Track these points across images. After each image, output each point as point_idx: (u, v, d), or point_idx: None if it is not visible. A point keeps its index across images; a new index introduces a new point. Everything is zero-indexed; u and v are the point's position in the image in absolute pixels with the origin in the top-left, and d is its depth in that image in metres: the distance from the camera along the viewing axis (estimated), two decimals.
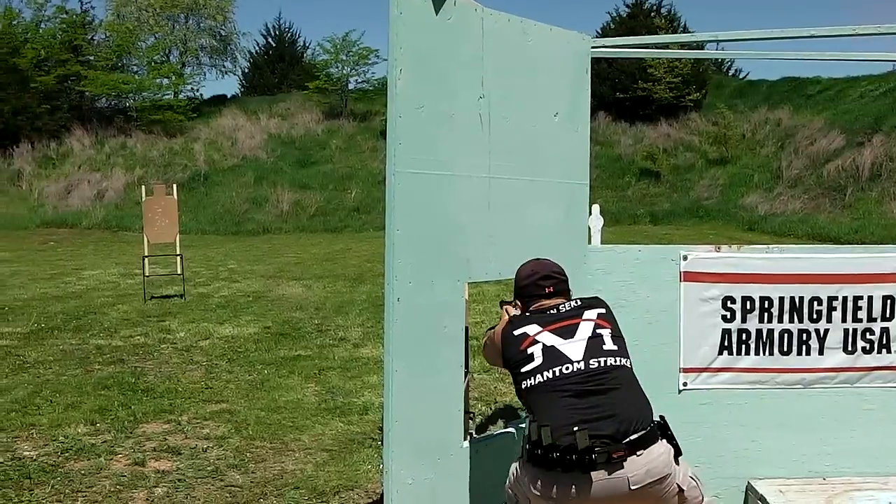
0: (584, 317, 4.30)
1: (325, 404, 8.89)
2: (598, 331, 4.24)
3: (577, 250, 5.47)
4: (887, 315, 5.79)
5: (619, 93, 45.54)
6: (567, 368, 4.07)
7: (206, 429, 8.04)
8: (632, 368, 4.23)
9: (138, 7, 52.97)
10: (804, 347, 5.73)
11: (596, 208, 21.22)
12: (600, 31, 48.08)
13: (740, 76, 53.29)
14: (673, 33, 45.00)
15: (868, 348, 5.82)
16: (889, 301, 5.80)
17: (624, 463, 3.84)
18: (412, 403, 4.52)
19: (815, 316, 5.72)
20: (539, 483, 3.97)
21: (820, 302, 5.72)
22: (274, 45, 59.56)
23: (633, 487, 3.85)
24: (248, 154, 44.16)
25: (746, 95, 47.78)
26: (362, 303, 15.75)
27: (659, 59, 41.94)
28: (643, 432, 3.93)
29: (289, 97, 51.37)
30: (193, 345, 12.23)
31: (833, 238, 28.61)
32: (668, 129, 45.01)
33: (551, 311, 4.36)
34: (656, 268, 5.62)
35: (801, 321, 5.69)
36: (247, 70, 60.36)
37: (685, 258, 5.62)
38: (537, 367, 4.12)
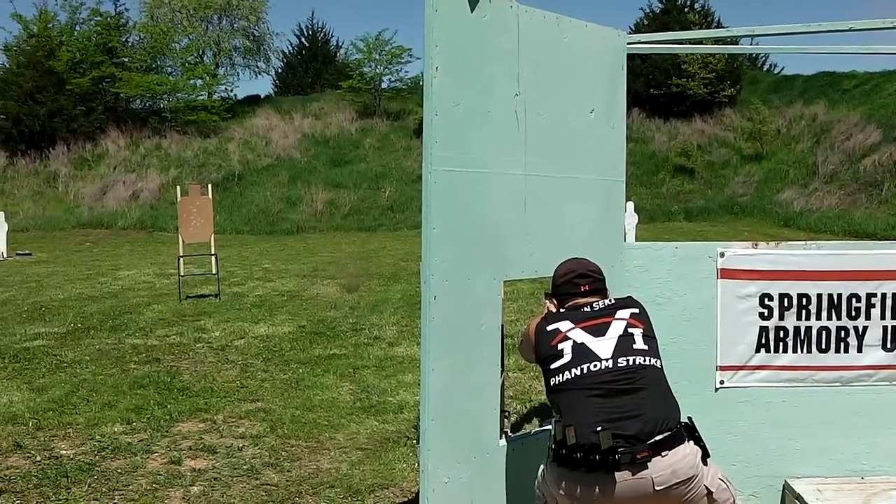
0: (616, 315, 4.28)
1: (360, 403, 8.89)
2: (629, 329, 4.22)
3: (613, 248, 5.44)
4: None
5: (653, 89, 45.44)
6: (595, 366, 4.06)
7: (242, 427, 8.06)
8: (662, 369, 4.20)
9: (172, 9, 53.23)
10: (843, 345, 5.67)
11: (630, 205, 21.21)
12: (633, 27, 47.98)
13: (775, 71, 53.00)
14: (707, 28, 44.85)
15: (889, 346, 5.76)
16: None
17: (648, 463, 3.83)
18: (449, 402, 4.51)
19: (853, 313, 5.66)
20: (564, 483, 3.98)
21: (858, 299, 5.66)
22: (307, 44, 59.81)
23: (657, 488, 3.84)
24: (282, 154, 44.35)
25: (781, 90, 47.54)
26: (397, 301, 15.70)
27: (693, 54, 41.79)
28: (669, 433, 3.91)
29: (322, 97, 51.56)
30: (229, 344, 12.26)
31: (870, 234, 28.49)
32: (702, 126, 44.87)
33: (584, 309, 4.35)
34: (693, 265, 5.58)
35: (839, 318, 5.63)
36: (280, 70, 60.68)
37: (722, 255, 5.58)
38: (566, 363, 4.12)
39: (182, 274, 17.26)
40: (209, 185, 18.23)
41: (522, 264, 4.84)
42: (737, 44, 29.79)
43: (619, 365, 4.06)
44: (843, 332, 5.67)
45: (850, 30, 5.54)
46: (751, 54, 48.72)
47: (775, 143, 41.20)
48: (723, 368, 5.63)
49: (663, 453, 3.85)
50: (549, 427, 5.19)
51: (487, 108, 4.57)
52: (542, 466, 4.27)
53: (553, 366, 4.16)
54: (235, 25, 57.11)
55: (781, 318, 5.61)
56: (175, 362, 11.01)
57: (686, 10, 48.33)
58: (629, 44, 5.58)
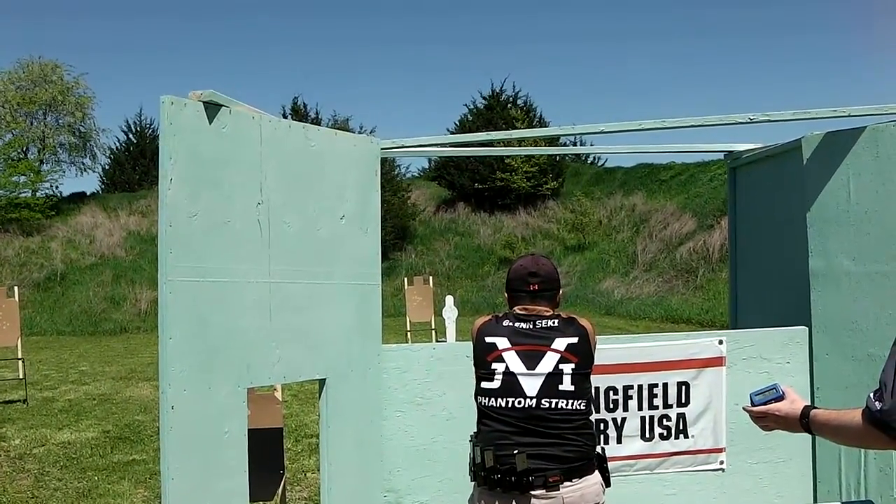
0: (552, 345, 4.37)
1: None
2: (560, 366, 4.32)
3: (370, 350, 5.52)
4: (683, 401, 5.96)
5: (478, 184, 46.17)
6: (520, 403, 4.27)
7: None
8: (584, 409, 4.34)
9: None
10: (602, 437, 5.84)
11: (450, 300, 21.37)
12: (458, 124, 48.70)
13: (598, 164, 54.33)
14: (529, 124, 45.86)
15: (665, 434, 5.97)
16: (684, 387, 5.99)
17: (560, 486, 4.17)
18: None
19: (611, 405, 5.86)
20: (483, 502, 4.30)
21: (616, 391, 5.86)
22: (135, 141, 59.02)
23: None
24: (106, 252, 43.47)
25: (603, 182, 48.78)
26: None
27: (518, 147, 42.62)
28: (581, 462, 4.25)
29: (150, 193, 50.80)
30: (27, 452, 11.90)
31: (686, 319, 29.31)
32: (526, 218, 45.71)
33: (525, 327, 4.44)
34: (451, 365, 5.69)
35: (597, 411, 5.80)
36: (107, 166, 59.66)
37: None
38: (495, 390, 4.33)
39: None
40: (14, 288, 17.79)
41: (269, 371, 4.87)
42: (558, 141, 30.41)
43: (542, 406, 4.25)
44: (602, 425, 5.86)
45: (661, 128, 5.85)
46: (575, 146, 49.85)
47: (597, 234, 42.20)
48: None
49: (574, 479, 4.20)
50: None
51: (227, 217, 4.62)
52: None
53: (483, 385, 4.40)
54: (61, 121, 56.06)
55: None
56: None
57: (509, 105, 49.34)
58: (383, 149, 5.74)
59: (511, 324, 4.49)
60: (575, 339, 4.42)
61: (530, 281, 4.56)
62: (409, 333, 22.26)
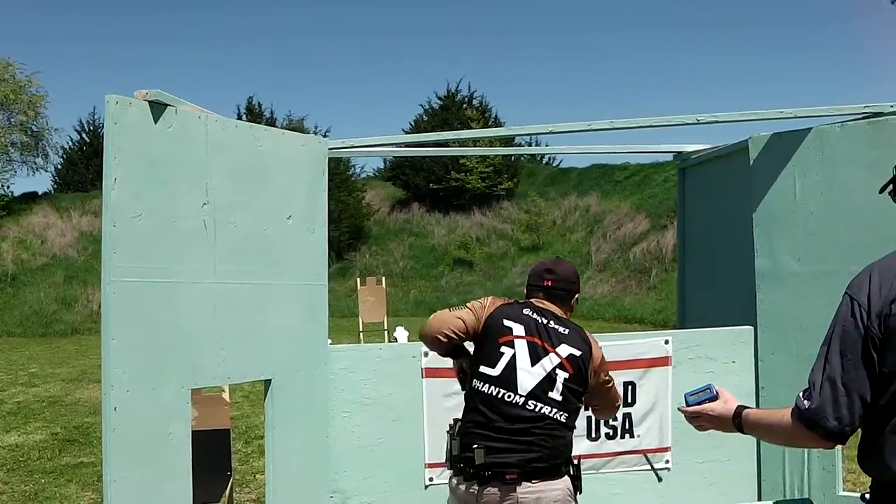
0: (558, 349, 4.43)
1: None
2: (556, 371, 4.39)
3: (317, 350, 5.52)
4: (629, 401, 6.00)
5: (432, 184, 46.09)
6: (510, 397, 4.34)
7: None
8: (563, 422, 4.39)
9: None
10: None
11: (401, 333, 20.71)
12: (413, 124, 48.61)
13: (553, 164, 54.39)
14: (485, 124, 45.86)
15: (611, 434, 6.01)
16: (630, 387, 6.02)
17: (517, 486, 4.23)
18: None
19: None
20: (452, 487, 4.49)
21: None
22: (88, 140, 58.45)
23: None
24: (58, 253, 43.07)
25: (558, 182, 48.83)
26: None
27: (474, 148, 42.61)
28: (545, 465, 4.29)
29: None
30: None
31: (638, 319, 29.44)
32: (481, 218, 45.70)
33: (543, 322, 4.50)
34: (399, 365, 5.71)
35: None
36: (60, 166, 59.09)
37: (426, 355, 5.71)
38: (493, 378, 4.39)
39: None
40: None
41: (214, 371, 4.86)
42: (513, 141, 30.45)
43: (528, 408, 4.32)
44: None
45: (610, 128, 5.94)
46: (531, 146, 49.84)
47: (551, 234, 42.28)
48: (431, 466, 5.74)
49: (533, 481, 4.25)
50: None
51: (173, 217, 4.60)
52: None
53: (483, 369, 4.44)
54: (13, 120, 55.47)
55: None
56: None
57: (464, 106, 49.31)
58: (331, 149, 5.73)
59: (530, 314, 4.54)
60: (578, 353, 4.47)
61: (546, 277, 4.69)
62: (361, 334, 22.20)
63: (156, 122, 4.52)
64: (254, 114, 46.53)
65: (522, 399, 4.32)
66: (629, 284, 35.30)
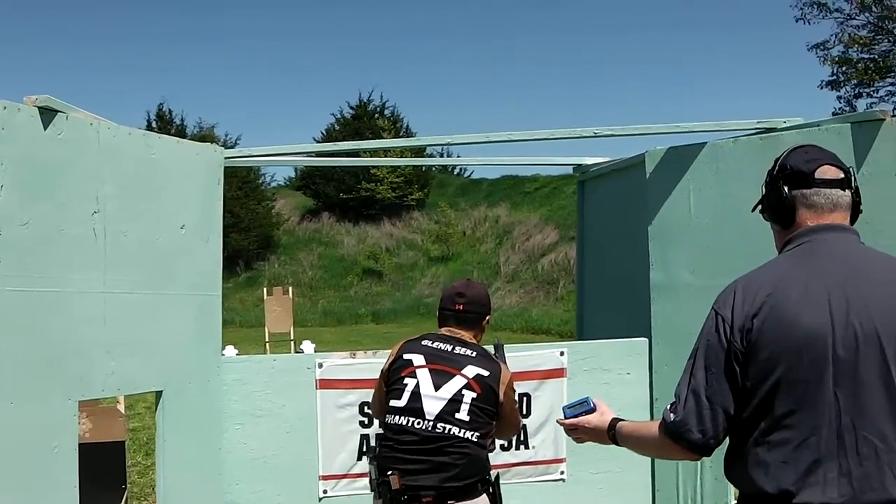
0: (463, 370, 4.51)
1: None
2: (463, 392, 4.46)
3: (210, 361, 5.46)
4: (524, 412, 6.02)
5: (343, 193, 45.92)
6: (418, 424, 4.42)
7: None
8: (476, 442, 4.46)
9: None
10: None
11: (307, 346, 20.52)
12: (325, 133, 48.39)
13: (464, 175, 54.45)
14: (396, 134, 45.84)
15: (506, 445, 6.02)
16: (526, 398, 6.04)
17: None
18: None
19: None
20: None
21: None
22: None
23: None
24: None
25: (469, 193, 48.97)
26: None
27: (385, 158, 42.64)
28: (460, 484, 4.36)
29: None
30: None
31: (545, 330, 29.59)
32: (391, 229, 45.68)
33: (445, 349, 4.61)
34: (292, 376, 5.67)
35: None
36: None
37: (320, 366, 5.69)
38: (400, 409, 4.48)
39: None
40: None
41: (103, 382, 4.77)
42: (424, 151, 30.40)
43: (437, 430, 4.39)
44: None
45: (510, 140, 5.96)
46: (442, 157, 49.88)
47: (461, 245, 42.42)
48: (325, 478, 5.71)
49: (449, 502, 4.33)
50: None
51: (62, 226, 4.52)
52: None
53: (392, 403, 4.54)
54: None
55: None
56: None
57: (376, 115, 49.20)
58: (227, 157, 5.68)
59: (430, 343, 4.67)
60: (486, 373, 4.55)
61: (457, 300, 4.76)
62: (267, 345, 22.01)
63: (45, 128, 4.44)
64: (164, 121, 45.90)
65: (431, 424, 4.40)
66: (537, 295, 35.57)
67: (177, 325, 5.23)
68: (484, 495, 4.48)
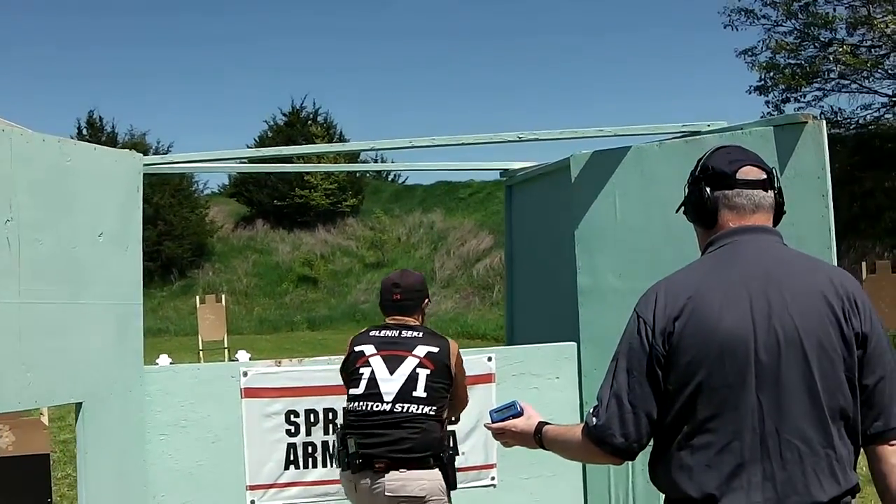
0: (414, 351, 4.86)
1: None
2: (417, 371, 4.80)
3: (132, 372, 5.37)
4: (452, 418, 5.97)
5: (277, 200, 45.64)
6: (377, 406, 4.74)
7: None
8: (433, 415, 4.79)
9: None
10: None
11: (242, 355, 20.36)
12: (257, 140, 48.11)
13: (398, 181, 54.40)
14: (329, 140, 45.65)
15: None
16: None
17: (385, 474, 4.62)
18: None
19: None
20: (341, 477, 4.93)
21: None
22: None
23: (387, 494, 4.62)
24: None
25: (403, 200, 48.94)
26: None
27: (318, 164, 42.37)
28: (412, 456, 4.66)
29: None
30: None
31: (481, 335, 29.64)
32: (325, 235, 45.48)
33: (390, 334, 4.97)
34: (217, 386, 5.61)
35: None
36: None
37: (245, 374, 5.62)
38: (359, 395, 4.81)
39: None
40: None
41: (18, 396, 4.65)
42: (358, 157, 30.23)
43: (395, 410, 4.72)
44: None
45: (433, 145, 5.93)
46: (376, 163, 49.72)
47: (396, 251, 42.32)
48: (253, 488, 5.65)
49: (401, 469, 4.63)
50: None
51: None
52: None
53: (351, 391, 4.89)
54: None
55: (308, 433, 5.72)
56: None
57: (309, 122, 48.98)
58: (146, 164, 5.59)
59: (378, 333, 5.03)
60: (435, 349, 4.91)
61: (394, 291, 5.08)
62: (201, 353, 21.83)
63: None
64: (95, 128, 45.29)
65: (389, 405, 4.72)
66: (472, 301, 35.64)
67: (95, 336, 5.12)
68: (437, 469, 4.75)
